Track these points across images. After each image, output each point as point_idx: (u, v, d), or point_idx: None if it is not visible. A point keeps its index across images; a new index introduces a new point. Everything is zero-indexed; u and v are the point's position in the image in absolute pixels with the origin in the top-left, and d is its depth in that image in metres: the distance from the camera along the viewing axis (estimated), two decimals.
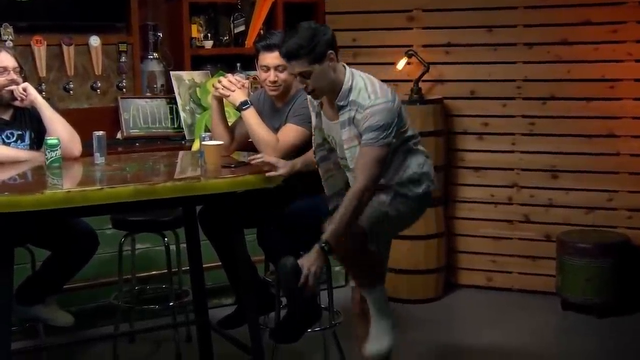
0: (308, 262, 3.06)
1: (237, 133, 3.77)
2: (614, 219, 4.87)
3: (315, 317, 3.69)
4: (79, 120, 3.86)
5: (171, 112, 5.16)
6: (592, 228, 4.87)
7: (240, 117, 3.70)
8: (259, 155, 3.42)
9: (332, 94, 3.15)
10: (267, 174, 3.34)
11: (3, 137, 3.67)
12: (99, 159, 3.58)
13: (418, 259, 4.93)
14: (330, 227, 3.06)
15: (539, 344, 4.33)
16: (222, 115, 3.75)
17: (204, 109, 5.03)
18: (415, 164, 3.20)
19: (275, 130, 3.64)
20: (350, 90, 3.10)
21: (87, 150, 3.70)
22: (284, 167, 3.39)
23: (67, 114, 3.81)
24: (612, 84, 4.80)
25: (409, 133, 3.21)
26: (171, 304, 4.19)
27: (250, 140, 3.68)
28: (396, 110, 3.09)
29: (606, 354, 4.23)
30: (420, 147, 3.27)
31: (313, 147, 3.38)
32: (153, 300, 4.43)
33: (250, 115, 3.61)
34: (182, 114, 5.11)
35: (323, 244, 3.05)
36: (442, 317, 4.77)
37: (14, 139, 3.69)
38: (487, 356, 4.16)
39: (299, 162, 3.47)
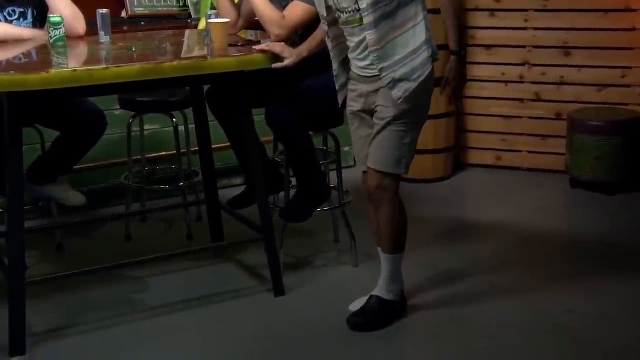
0: None
1: (244, 11, 3.68)
2: (626, 96, 4.81)
3: (324, 197, 3.72)
4: None
5: None
6: (603, 106, 4.82)
7: None
8: (263, 45, 3.34)
9: None
10: (273, 66, 3.31)
11: (5, 14, 3.60)
12: (103, 37, 3.53)
13: (427, 138, 4.88)
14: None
15: (547, 220, 4.37)
16: None
17: None
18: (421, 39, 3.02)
19: (283, 8, 3.55)
20: None
21: (92, 29, 3.64)
22: (290, 58, 3.33)
23: None
24: None
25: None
26: (181, 184, 4.23)
27: (257, 18, 3.60)
28: None
29: (615, 230, 4.25)
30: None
31: (323, 12, 3.17)
32: (163, 181, 4.48)
33: None
34: None
35: None
36: (451, 196, 4.81)
37: (16, 16, 3.62)
38: (495, 232, 4.20)
39: (304, 49, 3.39)
